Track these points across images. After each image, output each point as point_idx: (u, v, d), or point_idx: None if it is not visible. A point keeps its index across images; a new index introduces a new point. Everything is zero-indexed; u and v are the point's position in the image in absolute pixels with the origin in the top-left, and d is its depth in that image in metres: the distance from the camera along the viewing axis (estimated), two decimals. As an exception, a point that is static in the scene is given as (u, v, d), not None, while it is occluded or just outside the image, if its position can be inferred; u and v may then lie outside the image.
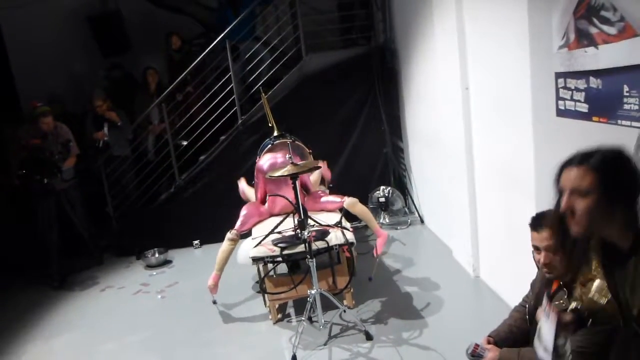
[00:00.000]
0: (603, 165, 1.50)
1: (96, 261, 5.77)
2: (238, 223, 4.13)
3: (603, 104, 2.29)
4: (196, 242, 5.98)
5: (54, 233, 5.26)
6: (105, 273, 5.51)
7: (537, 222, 2.14)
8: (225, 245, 4.04)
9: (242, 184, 4.83)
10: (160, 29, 6.64)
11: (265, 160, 4.17)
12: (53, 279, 5.24)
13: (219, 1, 6.38)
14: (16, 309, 4.81)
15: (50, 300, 4.93)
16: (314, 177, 4.49)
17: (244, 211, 4.24)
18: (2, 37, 6.70)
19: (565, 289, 2.08)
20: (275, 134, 4.36)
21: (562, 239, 1.67)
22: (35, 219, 5.30)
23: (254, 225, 4.22)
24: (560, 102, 2.61)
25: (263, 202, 4.34)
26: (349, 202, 4.11)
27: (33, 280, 5.38)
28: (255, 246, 3.77)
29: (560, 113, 2.62)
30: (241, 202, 4.54)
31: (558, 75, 2.60)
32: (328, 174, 4.82)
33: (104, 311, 4.60)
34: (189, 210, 5.90)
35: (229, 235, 4.04)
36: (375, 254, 4.17)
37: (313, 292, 3.49)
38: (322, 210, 4.22)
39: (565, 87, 2.55)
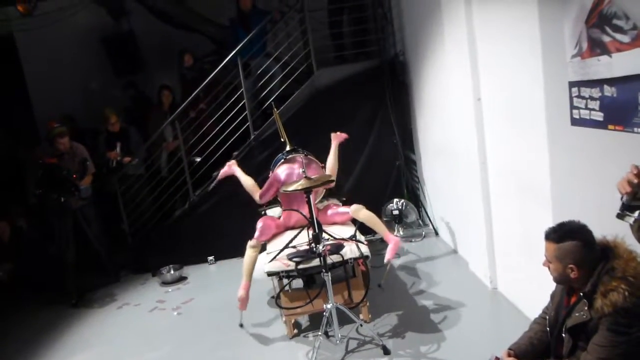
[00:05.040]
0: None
1: (113, 278, 5.81)
2: (257, 233, 4.13)
3: (618, 112, 2.27)
4: (211, 258, 5.99)
5: (71, 251, 5.29)
6: (122, 290, 5.55)
7: (547, 233, 2.16)
8: (248, 253, 4.04)
9: (235, 167, 4.58)
10: (172, 47, 6.74)
11: (282, 171, 4.18)
12: (71, 297, 5.28)
13: (231, 19, 6.46)
14: (34, 327, 4.84)
15: (69, 318, 4.95)
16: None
17: (260, 223, 4.22)
18: (19, 58, 6.85)
19: (585, 300, 2.06)
20: (288, 148, 4.38)
21: None
22: (52, 237, 5.36)
23: (273, 235, 4.22)
24: (575, 111, 2.59)
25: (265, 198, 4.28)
26: (353, 209, 4.13)
27: (51, 298, 5.41)
28: (270, 261, 3.77)
29: (575, 122, 2.61)
30: (257, 216, 4.54)
31: (572, 84, 2.59)
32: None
33: (121, 328, 4.62)
34: (203, 226, 5.92)
35: (250, 243, 4.05)
36: (385, 260, 4.14)
37: (329, 306, 3.47)
38: (332, 223, 4.22)
39: (579, 96, 2.54)
